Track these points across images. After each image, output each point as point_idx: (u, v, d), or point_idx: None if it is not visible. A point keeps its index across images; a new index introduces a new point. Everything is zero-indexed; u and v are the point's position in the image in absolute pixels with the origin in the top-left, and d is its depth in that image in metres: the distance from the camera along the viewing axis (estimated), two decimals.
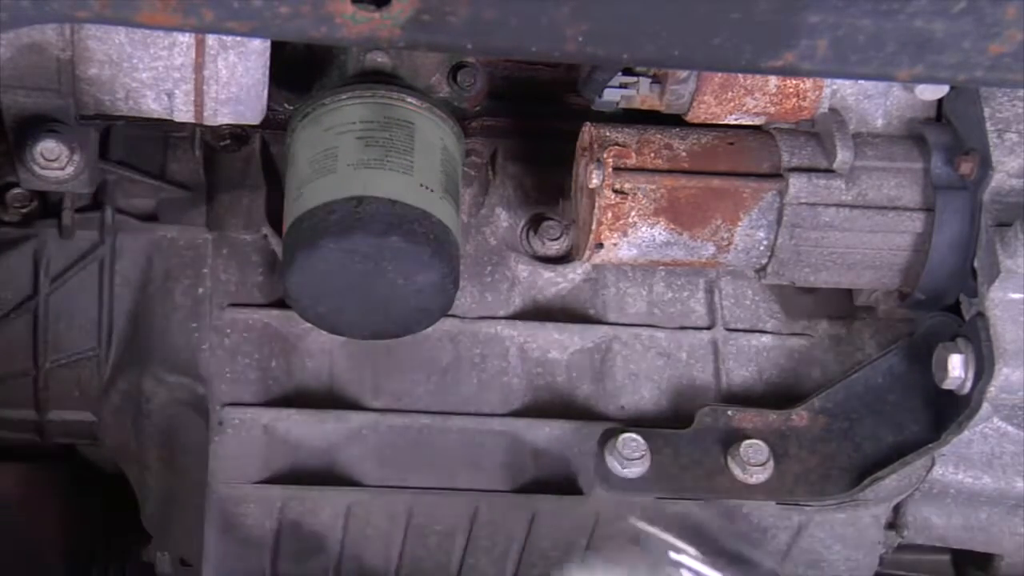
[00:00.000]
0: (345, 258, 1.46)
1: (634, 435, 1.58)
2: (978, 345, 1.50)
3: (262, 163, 1.69)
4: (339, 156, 1.50)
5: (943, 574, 1.92)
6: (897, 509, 1.70)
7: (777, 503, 1.65)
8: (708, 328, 1.71)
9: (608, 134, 1.57)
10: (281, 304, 1.62)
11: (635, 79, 1.57)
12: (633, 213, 1.55)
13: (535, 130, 1.72)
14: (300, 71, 1.62)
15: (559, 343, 1.68)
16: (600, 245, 1.57)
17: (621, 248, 1.58)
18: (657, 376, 1.69)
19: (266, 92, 1.51)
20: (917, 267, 1.58)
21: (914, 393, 1.62)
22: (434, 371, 1.66)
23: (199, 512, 1.62)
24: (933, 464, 1.63)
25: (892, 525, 1.72)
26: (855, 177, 1.57)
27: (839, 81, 1.57)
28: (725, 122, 1.58)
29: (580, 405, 1.67)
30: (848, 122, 1.58)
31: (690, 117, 1.58)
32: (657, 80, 1.57)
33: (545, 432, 1.65)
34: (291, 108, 1.63)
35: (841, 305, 1.73)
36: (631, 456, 1.56)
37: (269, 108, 1.55)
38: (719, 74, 1.53)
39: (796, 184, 1.56)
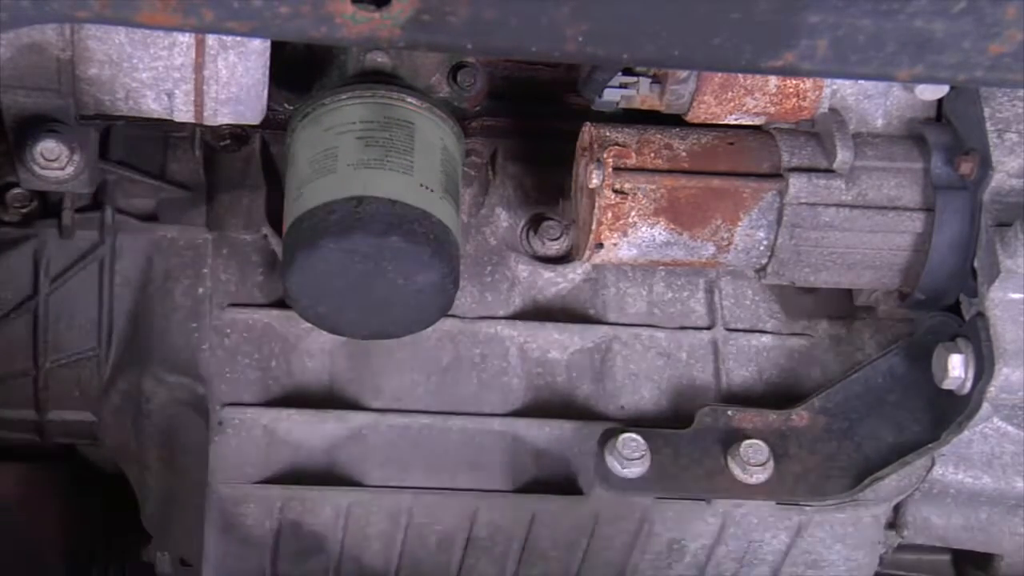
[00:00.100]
0: (345, 258, 1.46)
1: (634, 435, 1.58)
2: (978, 345, 1.50)
3: (262, 163, 1.69)
4: (339, 156, 1.50)
5: (943, 574, 1.92)
6: (897, 509, 1.70)
7: (777, 503, 1.65)
8: (708, 328, 1.71)
9: (608, 134, 1.57)
10: (281, 304, 1.62)
11: (635, 79, 1.57)
12: (633, 213, 1.55)
13: (535, 130, 1.72)
14: (300, 71, 1.62)
15: (559, 343, 1.68)
16: (600, 245, 1.57)
17: (621, 248, 1.58)
18: (657, 376, 1.69)
19: (266, 92, 1.51)
20: (917, 267, 1.58)
21: (914, 393, 1.62)
22: (434, 371, 1.66)
23: (199, 512, 1.62)
24: (933, 464, 1.63)
25: (892, 525, 1.72)
26: (855, 177, 1.57)
27: (839, 81, 1.57)
28: (725, 122, 1.58)
29: (580, 405, 1.67)
30: (848, 122, 1.58)
31: (690, 117, 1.58)
32: (657, 80, 1.57)
33: (545, 432, 1.65)
34: (291, 108, 1.63)
35: (841, 305, 1.73)
36: (631, 456, 1.56)
37: (269, 108, 1.55)
38: (719, 74, 1.53)
39: (796, 184, 1.56)
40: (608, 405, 1.67)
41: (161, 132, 1.67)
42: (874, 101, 1.60)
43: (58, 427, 1.68)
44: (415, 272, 1.48)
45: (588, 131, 1.59)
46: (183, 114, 1.50)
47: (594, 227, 1.56)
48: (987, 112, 1.52)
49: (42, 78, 1.45)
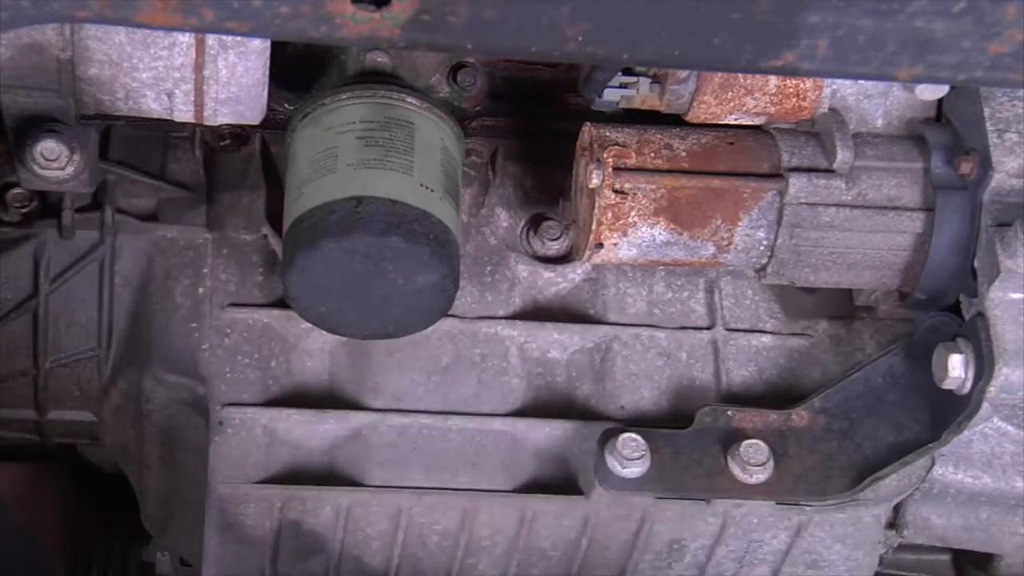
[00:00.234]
0: (345, 258, 1.46)
1: (634, 435, 1.58)
2: (978, 345, 1.50)
3: (262, 163, 1.69)
4: (339, 156, 1.50)
5: (943, 574, 1.92)
6: (897, 509, 1.70)
7: (777, 503, 1.65)
8: (708, 328, 1.71)
9: (608, 134, 1.57)
10: (281, 304, 1.62)
11: (635, 79, 1.57)
12: (633, 213, 1.55)
13: (535, 130, 1.72)
14: (300, 71, 1.62)
15: (559, 343, 1.68)
16: (600, 245, 1.57)
17: (621, 248, 1.58)
18: (657, 376, 1.69)
19: (266, 92, 1.51)
20: (917, 267, 1.58)
21: (914, 393, 1.62)
22: (434, 371, 1.66)
23: (199, 512, 1.62)
24: (933, 464, 1.63)
25: (892, 525, 1.72)
26: (855, 177, 1.57)
27: (839, 81, 1.57)
28: (725, 122, 1.58)
29: (580, 405, 1.67)
30: (848, 122, 1.58)
31: (690, 117, 1.58)
32: (657, 80, 1.57)
33: (545, 432, 1.65)
34: (291, 108, 1.63)
35: (841, 305, 1.73)
36: (631, 456, 1.57)
37: (269, 108, 1.55)
38: (719, 74, 1.53)
39: (796, 184, 1.56)
40: (608, 405, 1.67)
41: (161, 132, 1.67)
42: (874, 101, 1.60)
43: (58, 427, 1.68)
44: (415, 272, 1.48)
45: (588, 131, 1.59)
46: (183, 114, 1.50)
47: (594, 227, 1.56)
48: (987, 112, 1.52)
49: (42, 78, 1.45)
